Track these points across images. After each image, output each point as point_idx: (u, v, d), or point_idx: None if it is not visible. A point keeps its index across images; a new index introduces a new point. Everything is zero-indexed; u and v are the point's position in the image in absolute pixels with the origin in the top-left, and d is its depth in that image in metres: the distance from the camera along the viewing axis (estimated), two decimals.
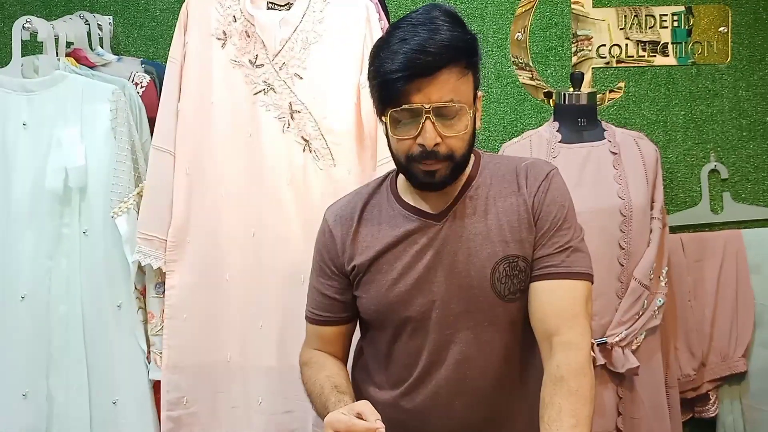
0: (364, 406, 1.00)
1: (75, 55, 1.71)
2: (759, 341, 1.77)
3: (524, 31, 1.90)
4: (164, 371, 1.56)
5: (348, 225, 1.17)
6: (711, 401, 1.76)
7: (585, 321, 1.07)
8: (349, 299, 1.19)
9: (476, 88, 1.09)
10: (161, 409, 1.56)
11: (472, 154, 1.17)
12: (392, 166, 1.27)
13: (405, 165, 1.09)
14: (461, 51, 1.03)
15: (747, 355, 1.76)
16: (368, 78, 1.09)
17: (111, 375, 1.57)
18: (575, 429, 0.96)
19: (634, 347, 1.57)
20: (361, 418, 0.97)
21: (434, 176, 1.07)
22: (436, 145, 1.03)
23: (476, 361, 1.11)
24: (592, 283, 1.12)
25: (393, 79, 1.01)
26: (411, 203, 1.16)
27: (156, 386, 1.59)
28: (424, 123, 1.02)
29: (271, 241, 1.57)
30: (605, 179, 1.65)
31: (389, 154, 1.45)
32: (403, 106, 1.02)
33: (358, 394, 1.21)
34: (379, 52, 1.06)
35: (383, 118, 1.07)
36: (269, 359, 1.54)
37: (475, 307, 1.10)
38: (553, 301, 1.07)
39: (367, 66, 1.09)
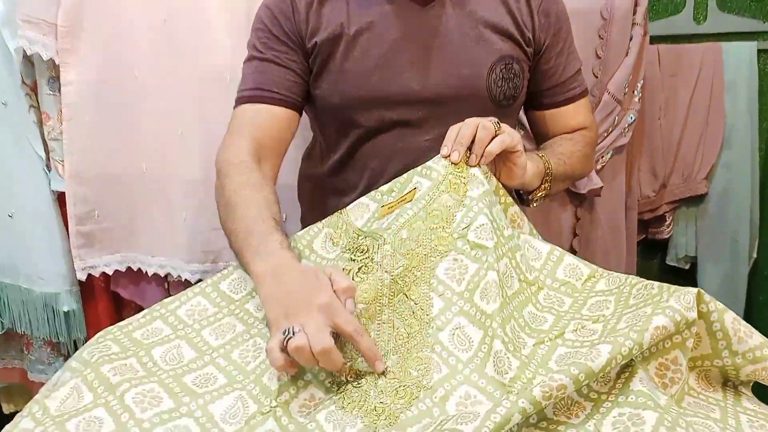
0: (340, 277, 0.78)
1: None
2: (723, 162, 1.68)
3: None
4: (68, 181, 1.34)
5: None
6: (666, 222, 1.71)
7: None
8: (306, 79, 0.98)
9: None
10: (69, 223, 1.36)
11: None
12: None
13: None
14: None
15: (710, 177, 1.68)
16: None
17: (3, 184, 1.34)
18: (562, 156, 1.00)
19: (599, 167, 1.45)
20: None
21: None
22: None
23: None
24: None
25: None
26: None
27: (62, 198, 1.38)
28: None
29: (186, 29, 1.29)
30: None
31: None
32: None
33: (306, 203, 1.13)
34: None
35: None
36: (192, 171, 1.34)
37: (464, 111, 0.93)
38: (572, 119, 1.08)
39: None
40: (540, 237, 1.00)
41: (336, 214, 0.96)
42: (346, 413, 0.76)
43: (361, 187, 1.02)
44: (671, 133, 1.65)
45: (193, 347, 0.84)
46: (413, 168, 0.95)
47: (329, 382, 0.81)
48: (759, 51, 1.74)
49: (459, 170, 0.93)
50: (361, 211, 0.96)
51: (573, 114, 1.07)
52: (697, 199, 1.69)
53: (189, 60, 1.31)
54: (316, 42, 0.96)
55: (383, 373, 0.80)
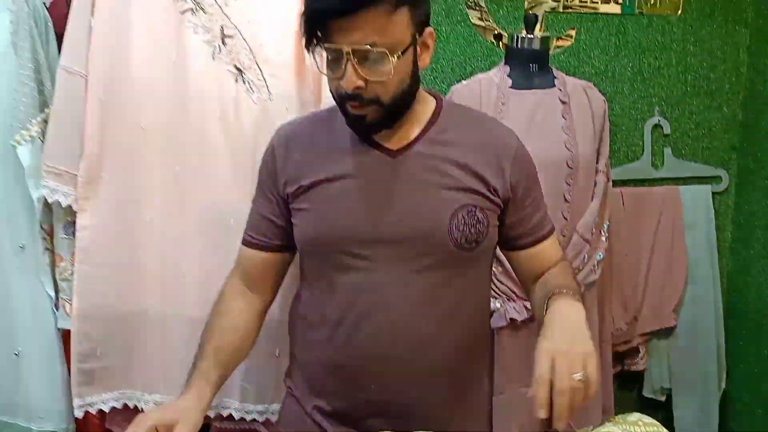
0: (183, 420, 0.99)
1: None
2: (689, 297, 1.80)
3: None
4: (74, 320, 1.41)
5: (293, 145, 1.12)
6: (640, 354, 1.79)
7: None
8: (285, 225, 1.14)
9: (420, 23, 1.01)
10: (71, 360, 1.42)
11: (432, 97, 1.13)
12: None
13: (339, 102, 1.04)
14: None
15: (677, 311, 1.79)
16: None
17: (12, 323, 1.41)
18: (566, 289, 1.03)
19: None
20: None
21: (364, 121, 1.02)
22: (358, 88, 0.98)
23: (423, 306, 1.07)
24: None
25: (315, 17, 0.96)
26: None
27: (65, 336, 1.44)
28: (345, 65, 0.97)
29: (196, 179, 1.42)
30: (554, 129, 1.59)
31: None
32: (325, 45, 0.98)
33: (293, 337, 1.20)
34: None
35: (309, 53, 1.01)
36: (191, 309, 1.42)
37: (428, 252, 1.06)
38: (546, 257, 1.16)
39: None
40: None
41: None
42: None
43: (331, 322, 1.09)
44: (638, 270, 1.78)
45: None
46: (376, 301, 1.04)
47: None
48: (713, 193, 1.92)
49: None
50: None
51: (548, 250, 1.15)
52: (668, 332, 1.78)
53: (196, 206, 1.43)
54: (294, 188, 1.09)
55: None
